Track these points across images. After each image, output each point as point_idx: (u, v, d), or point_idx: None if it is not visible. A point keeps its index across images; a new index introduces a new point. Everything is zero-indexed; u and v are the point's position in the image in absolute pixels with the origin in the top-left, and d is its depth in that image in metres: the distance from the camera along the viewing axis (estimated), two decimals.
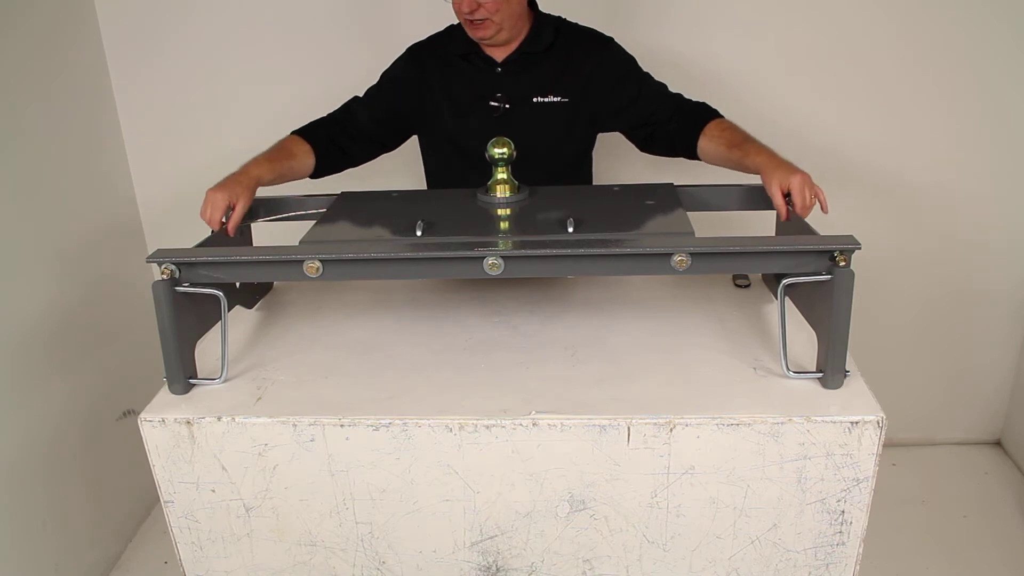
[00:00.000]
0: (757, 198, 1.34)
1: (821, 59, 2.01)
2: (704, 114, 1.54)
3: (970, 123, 2.05)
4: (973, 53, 1.98)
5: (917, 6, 1.95)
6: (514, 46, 1.59)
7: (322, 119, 1.61)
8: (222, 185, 1.30)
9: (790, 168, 1.28)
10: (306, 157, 1.51)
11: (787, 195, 1.26)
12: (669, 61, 1.97)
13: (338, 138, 1.58)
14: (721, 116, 1.54)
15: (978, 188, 2.11)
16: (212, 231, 1.28)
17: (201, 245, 1.21)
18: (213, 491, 1.07)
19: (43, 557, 1.79)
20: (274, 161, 1.43)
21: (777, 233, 1.32)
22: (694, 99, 1.60)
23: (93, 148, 2.04)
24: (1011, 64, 1.99)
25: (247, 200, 1.31)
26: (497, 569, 1.09)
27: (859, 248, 1.00)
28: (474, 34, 1.52)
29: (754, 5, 1.98)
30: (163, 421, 1.04)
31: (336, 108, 1.64)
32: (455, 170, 1.65)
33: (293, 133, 1.55)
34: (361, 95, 1.66)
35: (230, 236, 1.28)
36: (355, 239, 1.17)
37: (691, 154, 1.55)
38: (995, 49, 1.97)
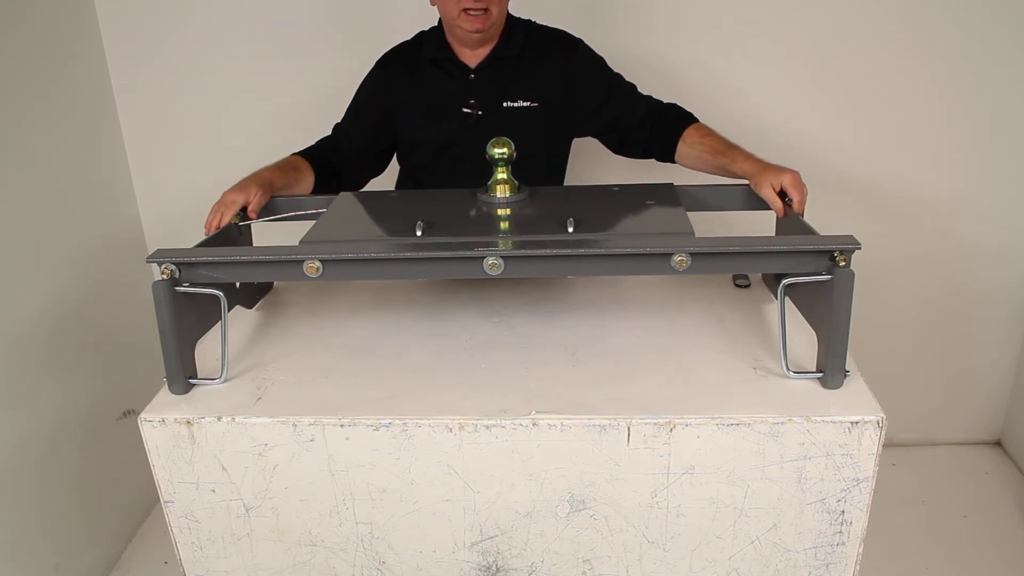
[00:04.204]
0: (757, 198, 1.34)
1: (820, 61, 2.01)
2: (679, 118, 1.55)
3: (970, 125, 2.05)
4: (973, 55, 1.98)
5: (915, 8, 1.95)
6: (487, 50, 1.59)
7: (315, 145, 1.62)
8: (237, 186, 1.35)
9: (779, 167, 1.31)
10: (308, 175, 1.54)
11: (780, 193, 1.28)
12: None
13: (333, 164, 1.60)
14: (696, 119, 1.55)
15: (978, 189, 2.11)
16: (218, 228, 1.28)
17: (201, 245, 1.21)
18: (213, 491, 1.07)
19: (43, 557, 1.79)
20: (282, 170, 1.47)
21: (777, 233, 1.32)
22: (666, 100, 1.60)
23: (93, 148, 2.04)
24: (1011, 66, 1.99)
25: (262, 194, 1.36)
26: (497, 569, 1.09)
27: (859, 248, 1.00)
28: (470, 26, 1.51)
29: (749, 7, 1.98)
30: (163, 421, 1.04)
31: (321, 138, 1.65)
32: (428, 175, 1.66)
33: (293, 155, 1.57)
34: (341, 120, 1.67)
35: (252, 218, 1.34)
36: (355, 239, 1.17)
37: (667, 157, 1.56)
38: (994, 51, 1.98)
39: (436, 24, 1.63)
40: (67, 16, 1.93)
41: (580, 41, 1.64)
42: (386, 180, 1.74)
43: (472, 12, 1.49)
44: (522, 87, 1.59)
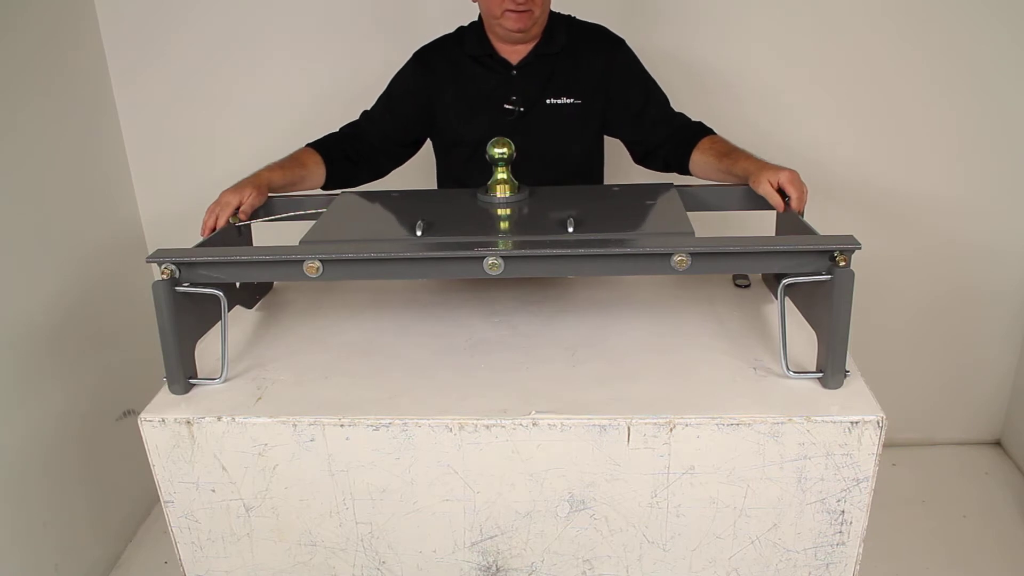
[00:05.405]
0: (757, 198, 1.35)
1: (820, 60, 2.02)
2: (700, 132, 1.56)
3: (970, 125, 2.05)
4: (973, 56, 1.98)
5: (916, 9, 1.96)
6: (530, 47, 1.58)
7: (335, 134, 1.61)
8: (233, 186, 1.34)
9: (778, 166, 1.31)
10: (317, 168, 1.52)
11: (779, 191, 1.28)
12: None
13: (351, 154, 1.59)
14: (714, 132, 1.56)
15: (978, 189, 2.11)
16: (213, 230, 1.28)
17: (201, 245, 1.21)
18: (213, 491, 1.07)
19: (43, 557, 1.79)
20: (286, 168, 1.46)
21: (777, 233, 1.32)
22: (693, 114, 1.61)
23: (93, 148, 2.04)
24: (1011, 66, 1.99)
25: (256, 195, 1.34)
26: (497, 569, 1.09)
27: (859, 248, 1.00)
28: (514, 25, 1.50)
29: (765, 13, 1.98)
30: (163, 421, 1.04)
31: (347, 123, 1.64)
32: (468, 172, 1.65)
33: (307, 145, 1.56)
34: (370, 108, 1.66)
35: (243, 220, 1.32)
36: (355, 239, 1.17)
37: (683, 170, 1.57)
38: (994, 51, 1.98)
39: (476, 20, 1.63)
40: (67, 16, 1.93)
41: (622, 40, 1.63)
42: (399, 175, 1.73)
43: (515, 12, 1.48)
44: (564, 83, 1.59)
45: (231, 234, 1.30)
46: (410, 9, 2.01)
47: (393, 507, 1.06)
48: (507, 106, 1.58)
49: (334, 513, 1.07)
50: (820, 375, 1.05)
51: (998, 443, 2.42)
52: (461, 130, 1.62)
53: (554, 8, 1.61)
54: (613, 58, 1.61)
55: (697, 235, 1.08)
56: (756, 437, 0.99)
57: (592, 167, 1.70)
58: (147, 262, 1.09)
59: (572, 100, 1.59)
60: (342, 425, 1.02)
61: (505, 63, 1.59)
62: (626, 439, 1.00)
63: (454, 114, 1.62)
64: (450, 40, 1.65)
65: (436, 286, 1.43)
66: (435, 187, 1.77)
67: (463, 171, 1.66)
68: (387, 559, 1.10)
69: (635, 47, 1.64)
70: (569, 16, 1.63)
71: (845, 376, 1.05)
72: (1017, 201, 2.12)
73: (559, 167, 1.56)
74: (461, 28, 1.65)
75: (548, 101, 1.59)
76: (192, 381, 1.11)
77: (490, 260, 1.04)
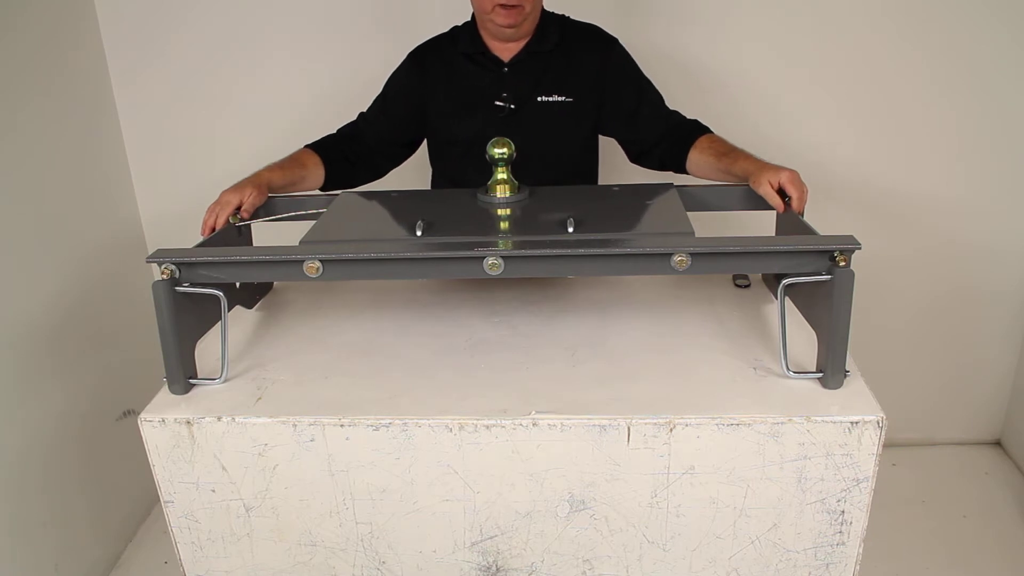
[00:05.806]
0: (757, 198, 1.35)
1: (820, 61, 2.02)
2: (696, 130, 1.56)
3: (970, 125, 2.05)
4: (973, 56, 1.98)
5: (916, 9, 1.96)
6: (521, 44, 1.59)
7: (333, 135, 1.62)
8: (234, 186, 1.35)
9: (778, 166, 1.31)
10: (316, 169, 1.53)
11: (779, 191, 1.28)
12: (677, 60, 1.97)
13: (349, 155, 1.59)
14: (710, 131, 1.56)
15: (978, 189, 2.11)
16: (213, 230, 1.28)
17: (201, 245, 1.21)
18: (213, 491, 1.07)
19: (43, 557, 1.79)
20: (285, 168, 1.47)
21: (777, 233, 1.32)
22: (689, 113, 1.60)
23: (93, 148, 2.04)
24: (1011, 66, 1.99)
25: (257, 195, 1.35)
26: (497, 569, 1.09)
27: (859, 248, 1.00)
28: (504, 20, 1.50)
29: (763, 12, 1.98)
30: (163, 421, 1.04)
31: (345, 124, 1.65)
32: (461, 171, 1.65)
33: (305, 147, 1.56)
34: (367, 110, 1.66)
35: (244, 220, 1.32)
36: (355, 239, 1.17)
37: (680, 168, 1.57)
38: (994, 51, 1.98)
39: (469, 18, 1.63)
40: (67, 16, 1.93)
41: (616, 40, 1.63)
42: (397, 176, 1.73)
43: (505, 7, 1.48)
44: (556, 81, 1.59)
45: (231, 234, 1.30)
46: (410, 9, 2.01)
47: (393, 507, 1.06)
48: (498, 103, 1.58)
49: (334, 513, 1.07)
50: (820, 375, 1.05)
51: (998, 443, 2.42)
52: (454, 128, 1.62)
53: (548, 7, 1.61)
54: (607, 58, 1.61)
55: (697, 235, 1.08)
56: (756, 437, 0.99)
57: (585, 165, 1.70)
58: (147, 262, 1.09)
59: (563, 98, 1.59)
60: (342, 425, 1.02)
61: (497, 60, 1.59)
62: (626, 439, 1.00)
63: (448, 112, 1.62)
64: (444, 39, 1.65)
65: (436, 286, 1.43)
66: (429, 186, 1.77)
67: (457, 170, 1.67)
68: (387, 559, 1.10)
69: (630, 47, 1.64)
70: (563, 16, 1.64)
71: (845, 376, 1.05)
72: (1017, 201, 2.12)
73: (551, 165, 1.56)
74: (455, 27, 1.66)
75: (539, 99, 1.59)
76: (192, 381, 1.11)
77: (490, 260, 1.04)
